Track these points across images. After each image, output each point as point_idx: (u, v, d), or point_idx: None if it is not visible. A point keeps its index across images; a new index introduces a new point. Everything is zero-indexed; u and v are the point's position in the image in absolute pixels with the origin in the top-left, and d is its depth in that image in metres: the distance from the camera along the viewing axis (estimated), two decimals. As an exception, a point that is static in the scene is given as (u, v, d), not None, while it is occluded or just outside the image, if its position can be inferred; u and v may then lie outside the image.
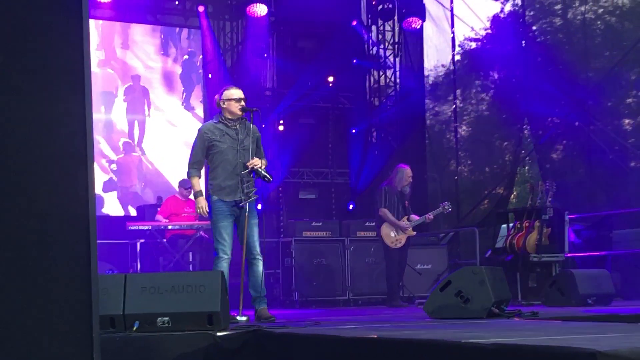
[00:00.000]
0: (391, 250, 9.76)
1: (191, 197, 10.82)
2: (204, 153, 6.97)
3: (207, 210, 6.90)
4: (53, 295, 2.32)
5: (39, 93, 2.25)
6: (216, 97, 7.08)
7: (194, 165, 7.01)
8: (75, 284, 2.34)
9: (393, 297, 9.74)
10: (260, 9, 12.73)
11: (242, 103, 6.92)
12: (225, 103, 6.94)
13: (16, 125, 2.26)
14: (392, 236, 9.74)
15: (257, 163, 6.83)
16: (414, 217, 9.88)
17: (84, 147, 2.27)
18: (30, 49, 2.25)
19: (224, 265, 6.74)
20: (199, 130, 7.12)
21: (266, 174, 6.86)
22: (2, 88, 2.22)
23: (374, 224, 11.16)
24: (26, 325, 2.31)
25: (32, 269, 2.30)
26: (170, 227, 10.27)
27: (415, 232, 9.95)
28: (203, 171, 7.21)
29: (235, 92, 6.97)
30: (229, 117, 6.94)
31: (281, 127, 13.80)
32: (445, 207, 10.11)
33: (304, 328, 5.34)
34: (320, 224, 10.96)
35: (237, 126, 6.94)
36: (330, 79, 13.93)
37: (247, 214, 6.78)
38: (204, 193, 7.06)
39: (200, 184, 7.04)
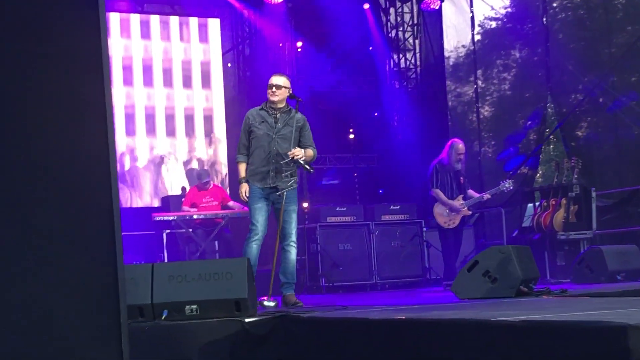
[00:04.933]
0: (445, 231, 9.49)
1: (218, 183, 10.93)
2: (247, 137, 7.04)
3: (247, 196, 6.93)
4: (81, 286, 2.33)
5: (60, 82, 2.26)
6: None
7: (240, 150, 7.11)
8: (101, 274, 2.35)
9: (448, 278, 9.61)
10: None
11: (274, 90, 6.94)
12: (269, 90, 7.01)
13: (40, 117, 2.27)
14: (444, 216, 9.41)
15: (298, 154, 6.85)
16: (472, 192, 9.56)
17: (106, 140, 2.28)
18: (51, 39, 2.25)
19: (254, 246, 6.80)
20: (246, 114, 7.21)
21: (306, 165, 6.89)
22: (26, 80, 2.23)
23: (398, 207, 11.12)
24: (55, 316, 2.32)
25: (59, 260, 2.31)
26: (195, 216, 10.30)
27: (470, 212, 9.69)
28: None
29: (271, 79, 7.05)
30: (270, 104, 7.01)
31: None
32: (506, 185, 9.60)
33: (332, 312, 5.34)
34: (345, 209, 10.93)
35: (278, 114, 6.99)
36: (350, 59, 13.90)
37: (284, 201, 6.81)
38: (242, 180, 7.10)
39: (244, 170, 7.04)
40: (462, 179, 9.55)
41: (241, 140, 7.09)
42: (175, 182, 13.13)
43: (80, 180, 2.30)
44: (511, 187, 9.82)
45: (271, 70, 13.48)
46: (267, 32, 13.66)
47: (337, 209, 10.87)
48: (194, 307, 5.06)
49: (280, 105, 7.00)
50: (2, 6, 2.18)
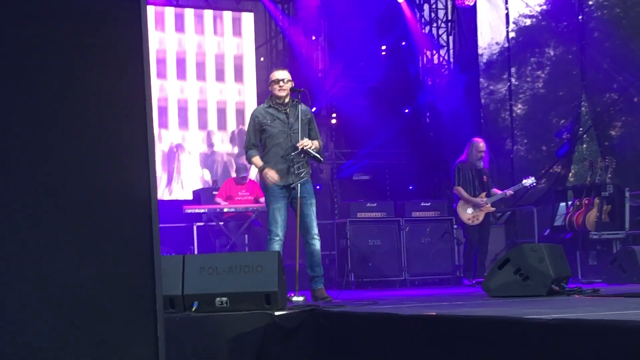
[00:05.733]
0: (468, 228, 9.58)
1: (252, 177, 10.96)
2: (256, 136, 7.01)
3: (276, 179, 6.87)
4: (118, 275, 2.35)
5: (101, 75, 2.28)
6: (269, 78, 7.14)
7: (249, 147, 7.04)
8: (138, 265, 2.37)
9: (466, 275, 9.69)
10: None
11: (282, 84, 6.89)
12: (271, 85, 6.98)
13: (81, 110, 2.29)
14: (468, 213, 9.50)
15: (307, 144, 6.81)
16: (496, 191, 9.58)
17: (145, 134, 2.29)
18: (94, 32, 2.28)
19: (276, 247, 6.76)
20: (252, 114, 7.18)
21: (317, 155, 6.84)
22: (68, 72, 2.26)
23: (429, 204, 11.08)
24: (95, 305, 2.34)
25: (98, 251, 2.34)
26: (226, 210, 10.34)
27: (494, 208, 9.71)
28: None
29: (277, 74, 6.99)
30: (277, 100, 6.96)
31: (334, 121, 13.84)
32: (529, 182, 9.66)
33: (362, 307, 5.34)
34: (375, 204, 10.91)
35: (287, 109, 6.95)
36: (383, 53, 13.86)
37: (299, 195, 6.79)
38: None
39: (259, 159, 7.00)
40: (484, 177, 9.60)
41: (249, 140, 7.03)
42: (206, 175, 13.20)
43: (119, 172, 2.32)
44: (534, 184, 9.86)
45: (306, 64, 13.56)
46: (300, 26, 13.66)
47: (368, 204, 10.84)
48: (224, 299, 5.07)
49: (287, 100, 6.97)
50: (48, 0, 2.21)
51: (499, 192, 9.59)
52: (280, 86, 6.90)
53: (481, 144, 9.57)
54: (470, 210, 9.49)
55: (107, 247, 2.32)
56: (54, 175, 2.27)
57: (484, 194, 9.51)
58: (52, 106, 2.25)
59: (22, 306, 2.23)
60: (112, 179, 2.33)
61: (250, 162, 7.10)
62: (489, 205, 9.50)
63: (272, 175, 6.85)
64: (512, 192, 9.75)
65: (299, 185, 6.81)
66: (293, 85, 6.98)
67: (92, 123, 2.30)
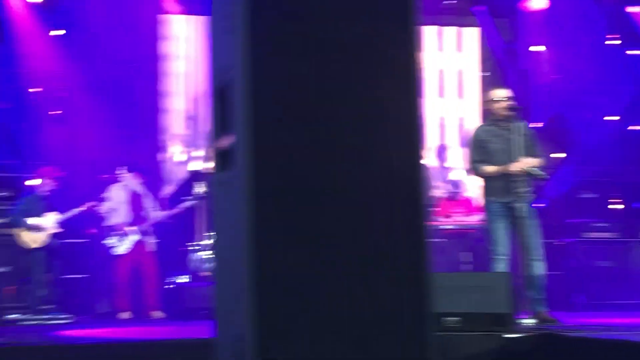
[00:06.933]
0: None
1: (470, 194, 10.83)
2: (478, 153, 7.01)
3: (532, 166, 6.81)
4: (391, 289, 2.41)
5: (373, 90, 2.36)
6: (485, 98, 7.20)
7: (474, 164, 7.04)
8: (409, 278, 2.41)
9: None
10: (537, 3, 12.39)
11: (503, 104, 6.90)
12: (490, 105, 7.06)
13: (354, 122, 2.37)
14: None
15: (528, 162, 6.76)
16: None
17: (415, 150, 2.33)
18: (366, 50, 2.37)
19: (501, 266, 6.65)
20: (473, 132, 7.27)
21: (539, 172, 6.78)
22: (344, 85, 2.35)
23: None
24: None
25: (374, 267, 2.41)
26: (448, 227, 10.27)
27: None
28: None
29: (496, 93, 7.06)
30: (497, 118, 6.98)
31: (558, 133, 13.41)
32: None
33: (600, 333, 5.09)
34: (605, 224, 10.47)
35: (509, 126, 6.91)
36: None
37: (520, 214, 6.67)
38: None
39: (489, 166, 6.94)
40: None
41: (473, 158, 7.06)
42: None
43: (391, 196, 2.36)
44: None
45: (527, 78, 13.24)
46: (522, 40, 13.38)
47: (597, 224, 10.42)
48: (455, 319, 5.03)
49: (507, 118, 6.94)
50: (326, 23, 2.31)
51: None
52: (500, 105, 6.92)
53: None
54: None
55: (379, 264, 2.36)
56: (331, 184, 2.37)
57: None
58: (335, 116, 2.36)
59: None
60: (384, 191, 2.39)
61: (483, 174, 7.03)
62: None
63: (521, 164, 6.74)
64: None
65: (519, 204, 6.69)
66: (512, 103, 6.92)
67: (363, 135, 2.38)
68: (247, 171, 2.30)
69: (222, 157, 2.56)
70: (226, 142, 2.52)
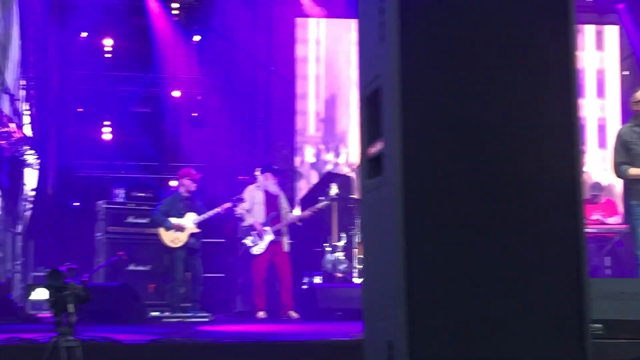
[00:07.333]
0: None
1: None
2: (622, 155, 6.85)
3: None
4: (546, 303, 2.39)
5: (529, 94, 2.34)
6: (630, 98, 7.03)
7: (619, 166, 6.85)
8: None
9: None
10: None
11: None
12: (635, 105, 6.87)
13: (511, 131, 2.36)
14: None
15: None
16: None
17: (572, 159, 2.29)
18: (522, 46, 2.35)
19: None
20: (617, 133, 7.08)
21: None
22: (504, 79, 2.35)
23: None
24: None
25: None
26: (587, 230, 9.98)
27: None
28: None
29: (637, 95, 6.86)
30: None
31: None
32: None
33: None
34: None
35: None
36: None
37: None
38: None
39: (635, 169, 6.81)
40: None
41: (616, 159, 6.90)
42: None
43: (547, 200, 2.33)
44: None
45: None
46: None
47: None
48: (598, 325, 4.90)
49: None
50: (485, 24, 2.30)
51: None
52: None
53: None
54: None
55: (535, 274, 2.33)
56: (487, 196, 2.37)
57: None
58: (489, 125, 2.36)
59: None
60: (540, 204, 2.37)
61: (627, 176, 6.89)
62: None
63: None
64: None
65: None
66: None
67: (521, 144, 2.37)
68: (397, 178, 2.31)
69: (372, 164, 2.58)
70: (376, 148, 2.54)
